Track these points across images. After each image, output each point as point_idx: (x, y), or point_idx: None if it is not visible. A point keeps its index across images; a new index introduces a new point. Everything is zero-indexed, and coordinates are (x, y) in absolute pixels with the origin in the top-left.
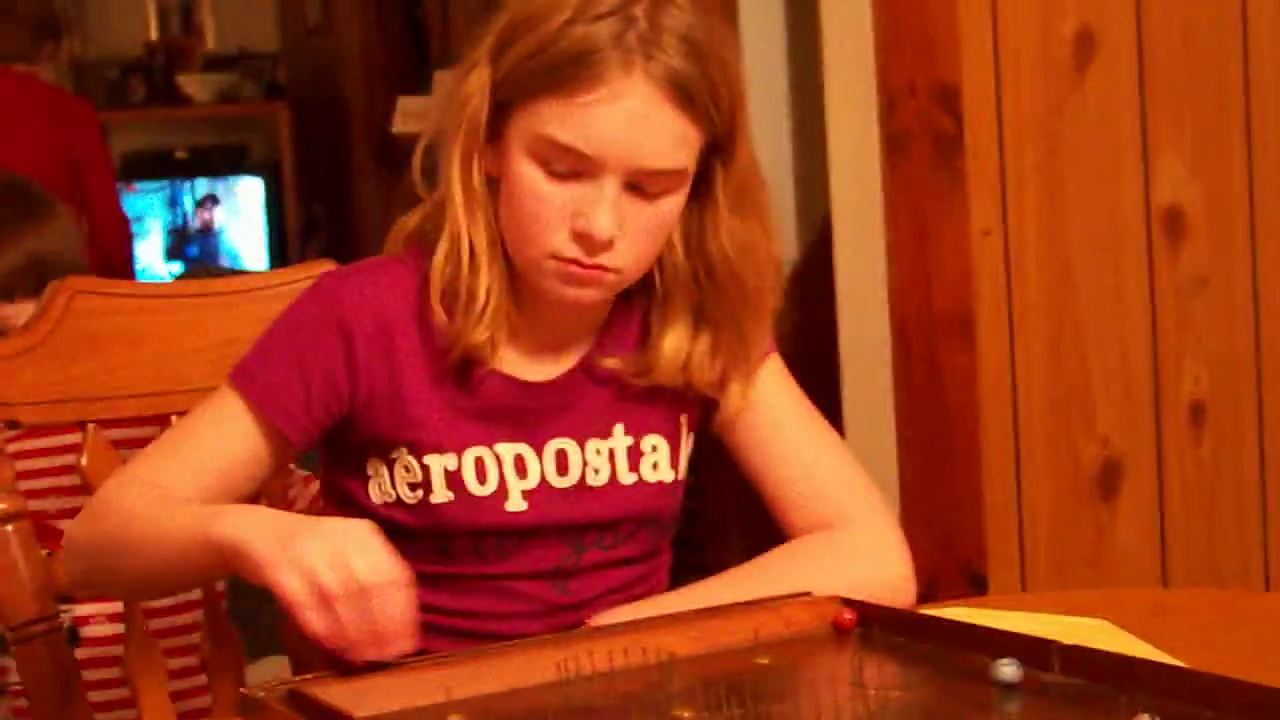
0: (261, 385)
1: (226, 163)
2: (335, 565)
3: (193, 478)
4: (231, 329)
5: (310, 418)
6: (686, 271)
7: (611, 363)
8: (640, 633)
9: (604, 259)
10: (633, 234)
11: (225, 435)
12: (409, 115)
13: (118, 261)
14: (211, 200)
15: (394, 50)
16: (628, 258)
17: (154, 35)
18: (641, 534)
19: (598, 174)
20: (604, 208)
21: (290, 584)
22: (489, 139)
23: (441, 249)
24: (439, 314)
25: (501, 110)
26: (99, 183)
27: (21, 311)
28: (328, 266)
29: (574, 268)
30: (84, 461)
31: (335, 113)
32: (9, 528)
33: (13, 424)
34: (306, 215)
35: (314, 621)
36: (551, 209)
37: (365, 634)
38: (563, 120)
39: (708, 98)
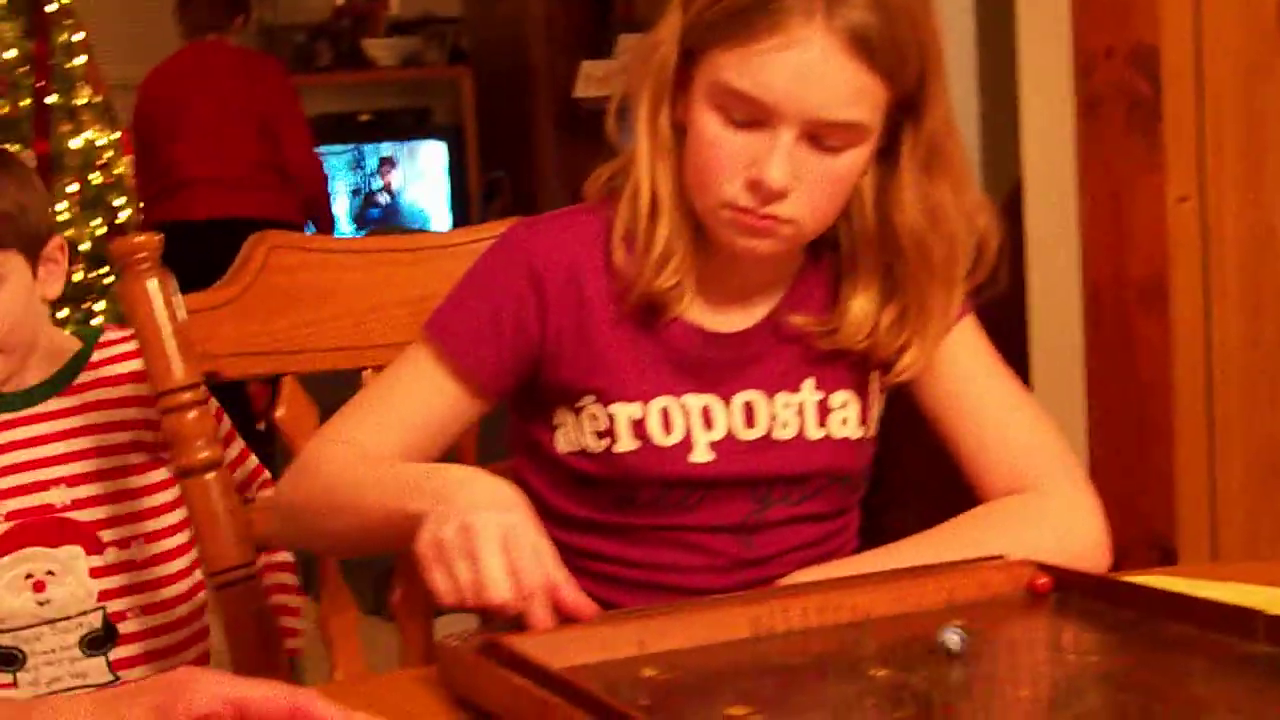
0: (455, 335)
1: (410, 127)
2: (461, 527)
3: (393, 436)
4: (423, 285)
5: (503, 365)
6: (874, 235)
7: (799, 320)
8: (834, 592)
9: (777, 210)
10: (809, 186)
11: (422, 389)
12: (591, 80)
13: (319, 214)
14: (392, 164)
15: (577, 14)
16: (803, 210)
17: (340, 1)
18: (829, 491)
19: (773, 123)
20: (777, 156)
21: (419, 541)
22: (677, 87)
23: (626, 195)
24: (619, 256)
25: (689, 58)
26: (293, 136)
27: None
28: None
29: (748, 217)
30: (280, 413)
31: (518, 77)
32: (209, 476)
33: (213, 376)
34: (488, 179)
35: (435, 579)
36: (727, 157)
37: (491, 589)
38: (740, 67)
39: (892, 53)
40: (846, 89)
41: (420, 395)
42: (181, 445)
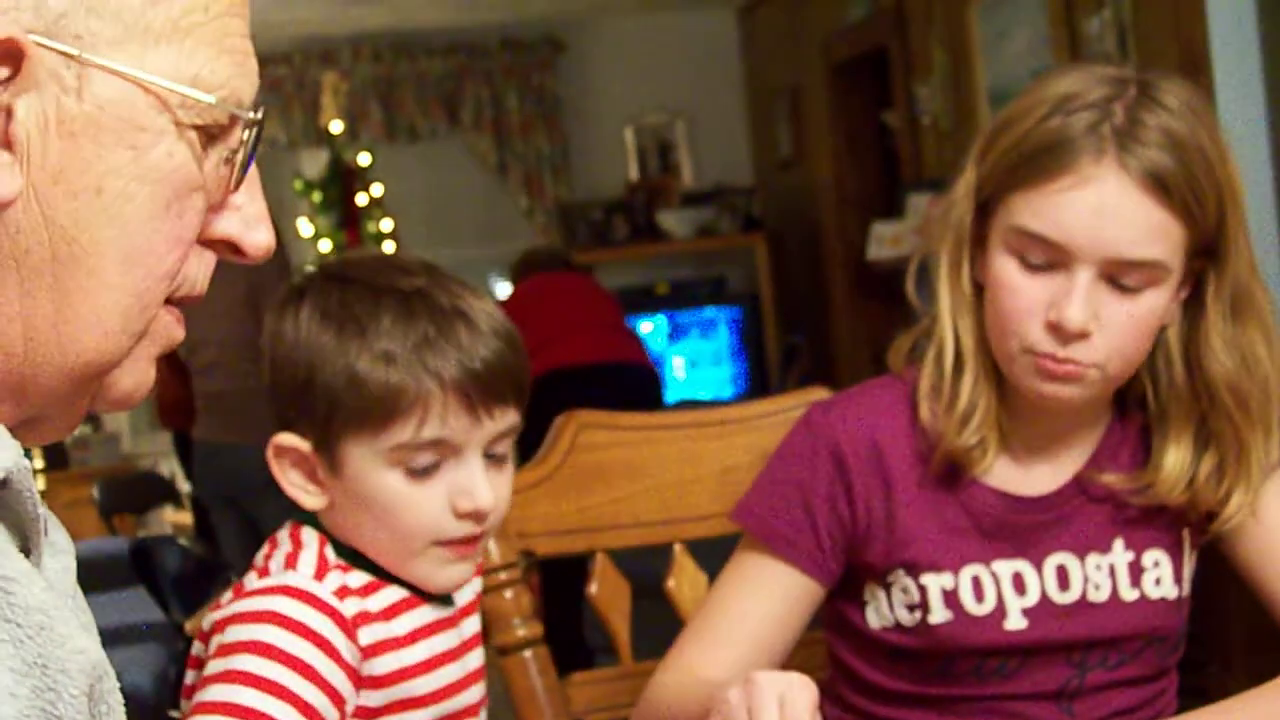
0: (772, 529)
1: (706, 295)
2: (744, 682)
3: (733, 651)
4: (728, 458)
5: (824, 553)
6: (1184, 385)
7: (1109, 479)
8: None
9: (1079, 353)
10: (1110, 328)
11: (754, 596)
12: (883, 241)
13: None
14: (689, 332)
15: (866, 178)
16: (1105, 353)
17: (634, 176)
18: (1147, 653)
19: (1071, 264)
20: (1076, 297)
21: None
22: (975, 243)
23: (930, 355)
24: (924, 413)
25: (984, 211)
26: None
27: None
28: (819, 394)
29: (1049, 362)
30: (593, 589)
31: (811, 242)
32: (527, 654)
33: (528, 555)
34: (786, 344)
35: None
36: (1026, 301)
37: None
38: (1035, 209)
39: (1188, 192)
40: (1142, 226)
41: (751, 599)
42: (499, 623)
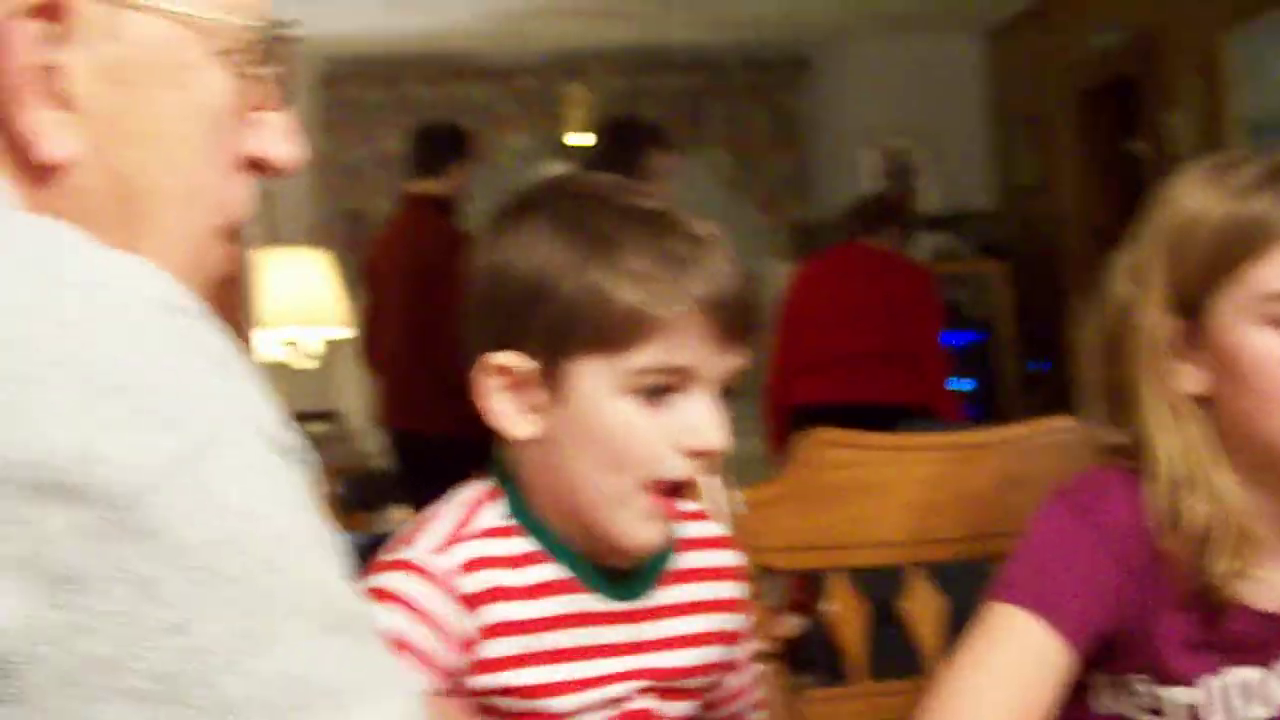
0: (1048, 602)
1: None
2: None
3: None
4: (972, 481)
5: (1094, 627)
6: None
7: None
8: None
9: None
10: None
11: (1013, 662)
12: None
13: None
14: None
15: (1110, 206)
16: None
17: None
18: None
19: None
20: None
21: None
22: (1182, 349)
23: (1153, 478)
24: (1167, 541)
25: (1189, 311)
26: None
27: None
28: (1066, 423)
29: None
30: (829, 608)
31: (1053, 269)
32: (764, 668)
33: (765, 570)
34: (1026, 372)
35: None
36: None
37: None
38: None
39: None
40: None
41: (1010, 673)
42: None
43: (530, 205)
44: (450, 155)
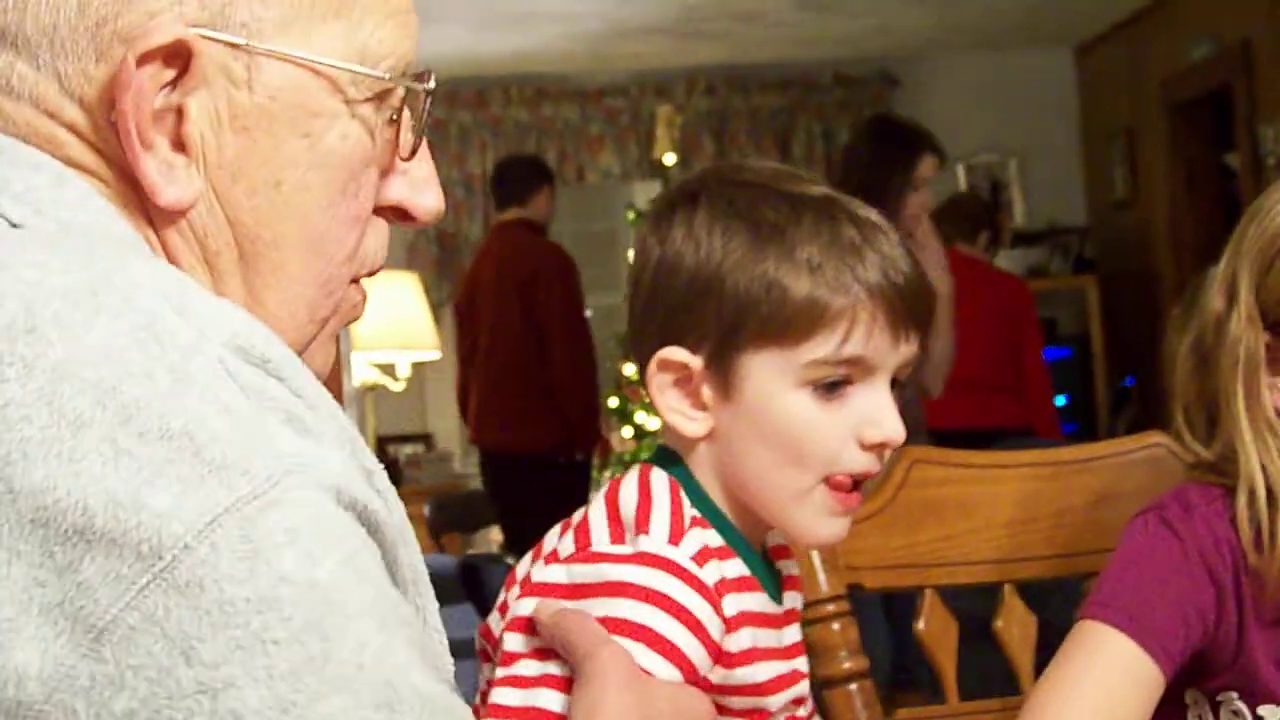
0: (1137, 620)
1: None
2: None
3: None
4: (1063, 499)
5: (1176, 653)
6: None
7: None
8: None
9: None
10: None
11: (1104, 681)
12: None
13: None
14: None
15: (1203, 221)
16: None
17: None
18: None
19: None
20: None
21: None
22: (1271, 364)
23: (1240, 489)
24: (1253, 559)
25: (1275, 326)
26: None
27: None
28: (1158, 438)
29: None
30: (921, 626)
31: (1144, 284)
32: (853, 686)
33: (857, 588)
34: (1117, 388)
35: None
36: None
37: None
38: None
39: None
40: None
41: (1106, 693)
42: (825, 655)
43: (694, 197)
44: (533, 182)
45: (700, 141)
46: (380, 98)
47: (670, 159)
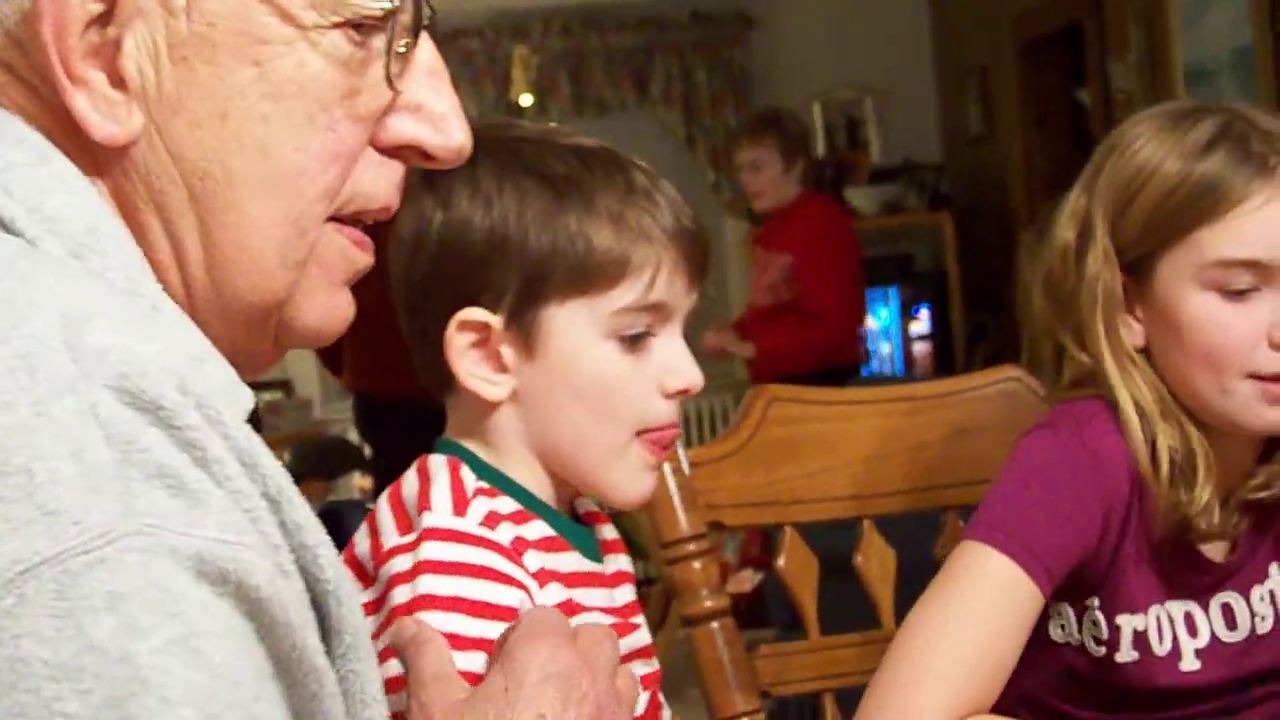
0: (1019, 540)
1: (892, 273)
2: None
3: (976, 673)
4: (920, 434)
5: (1056, 575)
6: None
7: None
8: None
9: None
10: None
11: (983, 601)
12: None
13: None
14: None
15: (1056, 155)
16: None
17: (822, 152)
18: None
19: (1276, 279)
20: None
21: None
22: (1127, 304)
23: (1125, 414)
24: (1152, 485)
25: (1134, 270)
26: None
27: None
28: (1012, 372)
29: (1276, 385)
30: (781, 563)
31: (999, 219)
32: (714, 625)
33: (717, 526)
34: (973, 323)
35: None
36: (1242, 328)
37: None
38: (1232, 238)
39: None
40: None
41: (984, 613)
42: (687, 594)
43: (470, 158)
44: None
45: (557, 83)
46: (357, 27)
47: (527, 100)
